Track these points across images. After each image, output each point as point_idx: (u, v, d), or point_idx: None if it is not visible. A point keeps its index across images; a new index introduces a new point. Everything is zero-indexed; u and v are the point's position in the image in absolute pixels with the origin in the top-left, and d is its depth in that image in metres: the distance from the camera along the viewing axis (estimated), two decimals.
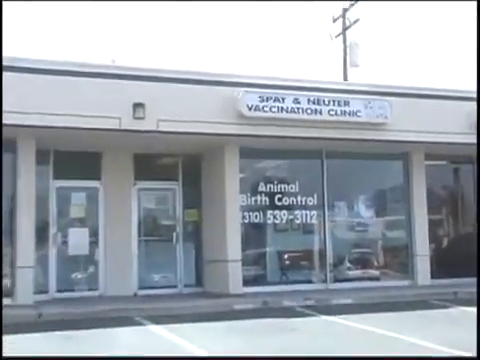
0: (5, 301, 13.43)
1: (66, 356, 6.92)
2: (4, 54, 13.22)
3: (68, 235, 15.41)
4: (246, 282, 15.44)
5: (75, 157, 15.39)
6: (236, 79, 15.00)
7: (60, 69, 13.54)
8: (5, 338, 10.16)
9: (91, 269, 15.68)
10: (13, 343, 9.95)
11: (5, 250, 14.11)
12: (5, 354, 8.61)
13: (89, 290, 15.47)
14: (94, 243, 15.64)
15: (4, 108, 12.78)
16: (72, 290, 15.31)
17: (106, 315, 12.55)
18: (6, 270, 14.02)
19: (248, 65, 49.30)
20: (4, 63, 13.01)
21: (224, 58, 49.74)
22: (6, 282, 13.95)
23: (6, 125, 12.99)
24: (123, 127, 13.86)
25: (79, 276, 15.64)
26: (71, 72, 13.58)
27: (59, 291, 15.03)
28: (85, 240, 15.56)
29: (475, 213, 17.46)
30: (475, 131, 15.64)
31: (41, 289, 14.44)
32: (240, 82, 14.89)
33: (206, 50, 53.41)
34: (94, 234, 15.70)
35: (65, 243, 15.36)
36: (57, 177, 15.39)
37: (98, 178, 15.87)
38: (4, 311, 12.54)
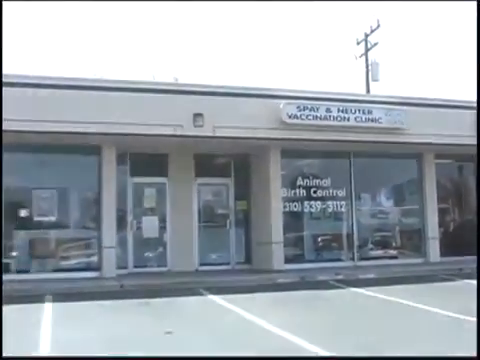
0: (93, 274, 14.09)
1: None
2: (101, 76, 13.92)
3: (142, 222, 15.70)
4: (287, 260, 15.50)
5: (147, 158, 15.66)
6: (278, 92, 15.13)
7: (137, 87, 13.90)
8: (98, 303, 10.64)
9: (160, 249, 15.86)
10: (104, 306, 10.42)
11: (93, 233, 14.73)
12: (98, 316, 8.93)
13: (158, 266, 15.66)
14: (163, 228, 15.85)
15: (89, 119, 13.19)
16: (145, 266, 15.56)
17: (174, 287, 12.75)
18: (94, 249, 14.63)
19: (287, 80, 49.49)
20: (95, 84, 13.73)
21: (265, 73, 50.01)
22: (94, 259, 14.56)
23: (92, 133, 13.43)
24: (185, 133, 14.08)
25: (151, 255, 15.87)
26: (144, 89, 13.94)
27: (135, 267, 15.29)
28: (155, 226, 15.83)
29: (476, 203, 17.42)
30: (475, 135, 15.62)
31: (121, 265, 14.74)
32: (281, 95, 15.02)
33: (250, 65, 53.75)
34: (162, 221, 15.90)
35: (139, 228, 15.63)
36: (133, 175, 15.69)
37: (165, 175, 16.03)
38: (93, 282, 13.12)
